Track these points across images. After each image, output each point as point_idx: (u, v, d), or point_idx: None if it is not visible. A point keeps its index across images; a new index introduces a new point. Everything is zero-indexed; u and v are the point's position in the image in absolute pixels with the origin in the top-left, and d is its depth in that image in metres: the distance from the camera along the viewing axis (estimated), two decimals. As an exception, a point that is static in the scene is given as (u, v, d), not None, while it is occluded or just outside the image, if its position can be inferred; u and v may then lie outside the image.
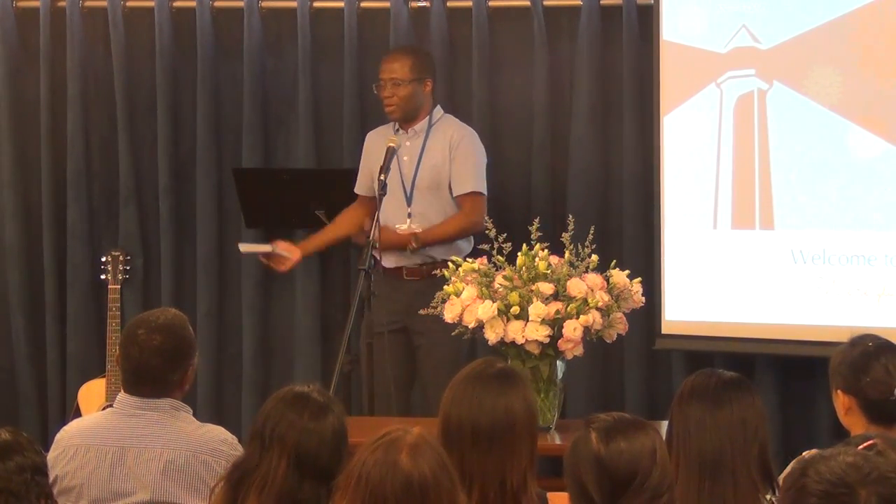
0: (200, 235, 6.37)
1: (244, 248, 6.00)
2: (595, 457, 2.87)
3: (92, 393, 6.09)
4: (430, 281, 5.44)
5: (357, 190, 5.87)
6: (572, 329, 4.65)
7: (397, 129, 5.78)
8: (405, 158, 5.73)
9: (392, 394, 5.34)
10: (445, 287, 4.83)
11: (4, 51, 6.42)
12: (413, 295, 5.44)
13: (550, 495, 3.30)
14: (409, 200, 5.71)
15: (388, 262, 5.62)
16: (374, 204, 5.44)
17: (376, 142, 5.76)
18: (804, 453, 2.36)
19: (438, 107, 5.82)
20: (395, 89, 5.70)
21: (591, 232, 4.83)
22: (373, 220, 5.24)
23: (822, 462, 2.29)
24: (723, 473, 3.24)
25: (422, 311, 4.94)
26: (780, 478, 3.05)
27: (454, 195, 5.71)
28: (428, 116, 5.77)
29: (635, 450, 2.88)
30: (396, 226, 5.65)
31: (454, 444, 3.11)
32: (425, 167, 5.72)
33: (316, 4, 6.27)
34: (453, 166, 5.69)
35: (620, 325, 4.80)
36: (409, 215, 5.70)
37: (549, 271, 4.72)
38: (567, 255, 4.79)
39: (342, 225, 5.88)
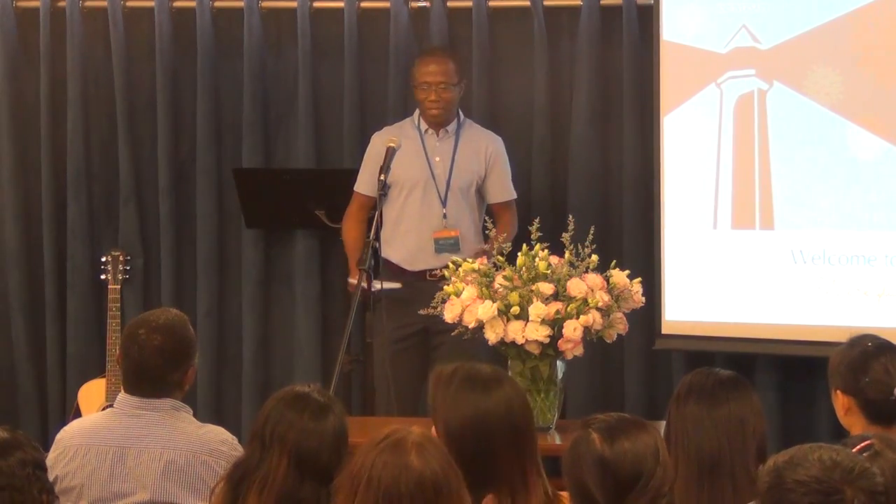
0: (200, 235, 6.36)
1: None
2: (599, 458, 2.87)
3: (92, 393, 6.09)
4: None
5: (360, 189, 5.82)
6: (572, 329, 4.64)
7: (425, 130, 5.77)
8: (437, 159, 5.74)
9: (393, 394, 5.33)
10: (445, 287, 4.82)
11: (4, 51, 6.41)
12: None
13: (550, 495, 3.30)
14: (444, 202, 5.72)
15: (413, 265, 5.65)
16: (375, 203, 5.42)
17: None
18: (767, 463, 2.33)
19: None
20: (442, 93, 5.71)
21: (591, 232, 4.82)
22: (373, 221, 5.22)
23: (791, 470, 2.27)
24: (721, 472, 3.24)
25: (421, 312, 4.94)
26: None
27: (493, 201, 5.80)
28: (456, 118, 5.80)
29: (639, 450, 2.87)
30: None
31: (452, 446, 3.10)
32: (459, 169, 5.74)
33: (316, 4, 6.27)
34: (492, 177, 5.78)
35: (620, 325, 4.80)
36: (445, 216, 5.71)
37: (549, 271, 4.72)
38: (567, 255, 4.78)
39: (359, 238, 5.78)
